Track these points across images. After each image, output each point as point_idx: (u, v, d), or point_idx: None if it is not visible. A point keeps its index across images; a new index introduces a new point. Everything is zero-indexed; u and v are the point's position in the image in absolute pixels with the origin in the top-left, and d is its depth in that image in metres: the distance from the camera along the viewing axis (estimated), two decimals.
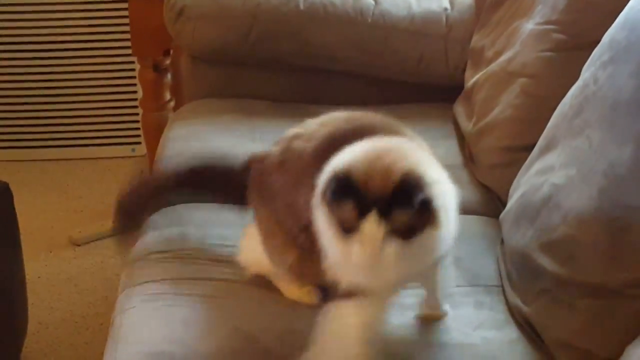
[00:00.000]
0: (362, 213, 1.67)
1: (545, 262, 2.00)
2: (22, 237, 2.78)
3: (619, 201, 1.85)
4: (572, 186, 1.98)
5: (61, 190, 3.85)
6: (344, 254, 1.73)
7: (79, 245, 3.49)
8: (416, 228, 1.70)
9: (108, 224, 3.52)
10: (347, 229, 1.69)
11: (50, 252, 3.46)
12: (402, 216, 1.67)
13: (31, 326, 2.87)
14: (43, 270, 3.32)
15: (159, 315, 2.05)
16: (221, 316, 2.03)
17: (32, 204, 3.68)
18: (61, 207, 3.74)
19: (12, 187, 2.67)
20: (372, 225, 1.66)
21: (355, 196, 1.69)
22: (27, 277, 2.82)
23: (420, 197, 1.67)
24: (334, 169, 1.75)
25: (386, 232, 1.67)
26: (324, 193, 1.74)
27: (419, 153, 1.86)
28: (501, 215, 2.31)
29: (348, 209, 1.69)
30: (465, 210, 2.49)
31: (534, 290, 2.02)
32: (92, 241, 3.50)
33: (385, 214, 1.67)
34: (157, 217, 2.39)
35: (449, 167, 2.67)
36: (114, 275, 2.40)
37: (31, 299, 2.86)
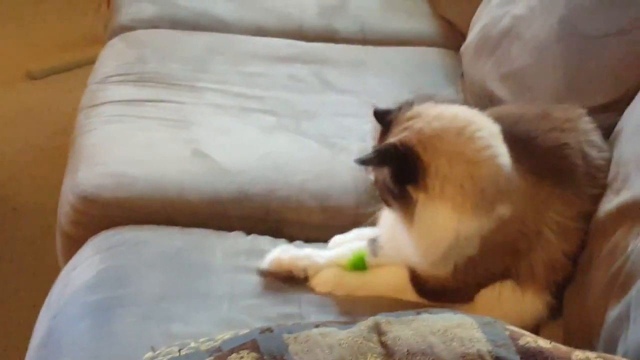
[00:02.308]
0: None
1: (503, 92, 2.04)
2: None
3: (579, 31, 1.87)
4: (533, 17, 2.00)
5: (18, 23, 3.78)
6: None
7: (36, 79, 3.46)
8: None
9: (66, 57, 3.52)
10: None
11: (8, 85, 3.42)
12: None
13: None
14: (0, 103, 3.30)
15: (120, 137, 2.06)
16: (182, 139, 2.04)
17: None
18: (18, 39, 3.68)
19: None
20: None
21: None
22: None
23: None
24: None
25: None
26: None
27: None
28: (462, 48, 2.32)
29: None
30: (426, 42, 2.54)
31: None
32: (50, 74, 3.46)
33: None
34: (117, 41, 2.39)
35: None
36: (72, 109, 2.37)
37: None
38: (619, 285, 1.43)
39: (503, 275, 1.60)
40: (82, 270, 1.73)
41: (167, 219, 1.88)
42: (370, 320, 1.15)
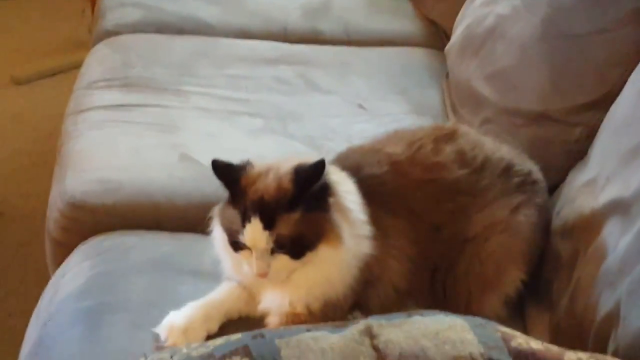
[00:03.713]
0: (244, 220, 1.43)
1: (488, 91, 2.04)
2: None
3: (563, 30, 1.88)
4: (517, 16, 2.01)
5: (2, 28, 3.78)
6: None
7: (21, 84, 3.45)
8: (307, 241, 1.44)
9: (51, 62, 3.52)
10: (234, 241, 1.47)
11: None
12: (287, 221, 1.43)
13: None
14: None
15: (107, 142, 2.06)
16: (169, 144, 2.04)
17: None
18: (2, 45, 3.67)
19: None
20: (254, 236, 1.43)
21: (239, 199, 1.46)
22: None
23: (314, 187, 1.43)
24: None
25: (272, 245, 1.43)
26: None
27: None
28: (446, 48, 2.33)
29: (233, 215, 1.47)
30: (410, 42, 2.55)
31: (477, 119, 2.06)
32: (35, 80, 3.45)
33: (268, 220, 1.42)
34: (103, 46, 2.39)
35: (394, 0, 2.72)
36: (58, 113, 2.36)
37: None
38: (609, 283, 1.43)
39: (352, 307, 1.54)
40: (71, 276, 1.73)
41: (156, 223, 1.87)
42: (361, 324, 1.16)
